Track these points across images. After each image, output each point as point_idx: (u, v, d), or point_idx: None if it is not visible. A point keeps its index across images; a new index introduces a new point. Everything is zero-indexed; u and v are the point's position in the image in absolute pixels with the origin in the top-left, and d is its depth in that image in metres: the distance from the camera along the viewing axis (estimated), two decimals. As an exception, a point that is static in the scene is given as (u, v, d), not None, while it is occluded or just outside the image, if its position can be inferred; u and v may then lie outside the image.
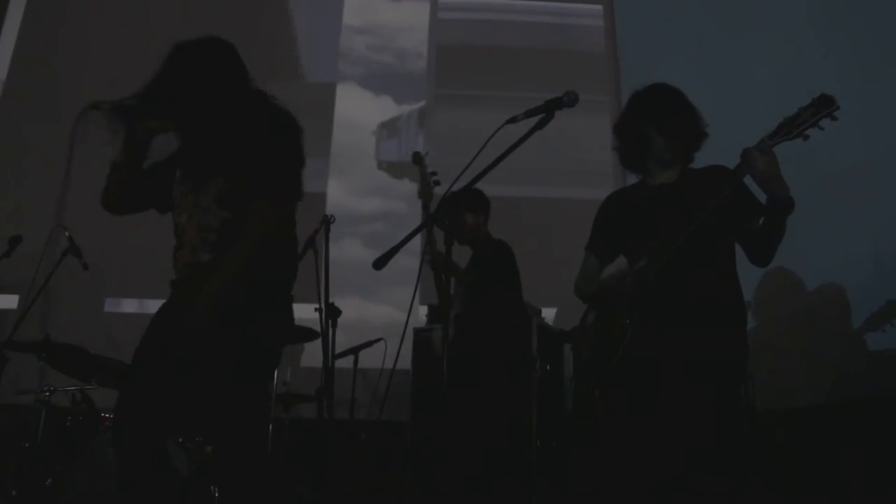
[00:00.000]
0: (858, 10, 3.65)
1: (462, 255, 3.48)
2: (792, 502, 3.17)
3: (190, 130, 2.03)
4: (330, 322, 3.38)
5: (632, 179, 2.36)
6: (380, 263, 1.89)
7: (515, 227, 4.06)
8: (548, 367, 3.72)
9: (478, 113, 5.11)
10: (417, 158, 3.29)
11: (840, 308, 3.40)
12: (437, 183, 3.19)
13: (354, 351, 3.87)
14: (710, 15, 4.64)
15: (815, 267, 3.51)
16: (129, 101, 1.99)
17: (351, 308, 4.15)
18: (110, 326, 4.60)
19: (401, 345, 2.60)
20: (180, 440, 2.91)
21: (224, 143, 1.98)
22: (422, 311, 4.33)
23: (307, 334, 3.56)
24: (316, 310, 3.36)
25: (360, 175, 5.41)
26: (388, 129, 5.54)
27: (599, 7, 5.84)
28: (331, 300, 3.39)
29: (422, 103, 5.60)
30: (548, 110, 1.91)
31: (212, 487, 2.81)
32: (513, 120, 1.91)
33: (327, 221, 3.40)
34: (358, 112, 5.56)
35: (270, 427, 3.43)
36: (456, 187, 2.01)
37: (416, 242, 2.62)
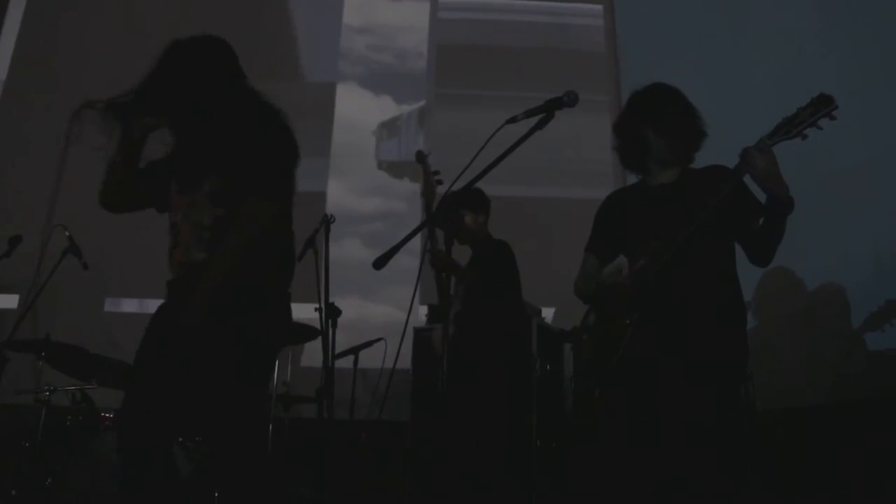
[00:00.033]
0: (858, 10, 3.65)
1: (462, 254, 3.48)
2: (792, 502, 3.17)
3: (183, 128, 2.04)
4: (330, 322, 3.38)
5: (632, 179, 2.36)
6: (380, 263, 1.88)
7: (515, 227, 4.06)
8: (548, 367, 3.73)
9: (478, 113, 5.11)
10: (421, 157, 3.28)
11: (840, 308, 3.40)
12: (440, 182, 3.18)
13: (354, 351, 3.87)
14: (710, 15, 4.64)
15: (815, 267, 3.51)
16: (124, 99, 1.99)
17: (351, 308, 4.16)
18: (110, 326, 4.60)
19: (401, 344, 2.60)
20: (180, 440, 2.91)
21: (216, 141, 1.98)
22: (422, 311, 4.33)
23: (307, 334, 3.56)
24: (316, 309, 3.36)
25: (360, 175, 5.41)
26: (388, 128, 5.54)
27: (599, 7, 5.84)
28: (331, 300, 3.39)
29: (422, 103, 5.60)
30: (548, 110, 1.91)
31: (212, 487, 2.81)
32: (513, 120, 1.91)
33: (327, 221, 3.40)
34: (358, 112, 5.57)
35: (270, 427, 3.44)
36: (456, 187, 2.01)
37: (416, 242, 2.62)
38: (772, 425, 3.34)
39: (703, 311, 2.02)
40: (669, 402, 1.98)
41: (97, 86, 2.06)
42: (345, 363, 3.71)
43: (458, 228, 3.47)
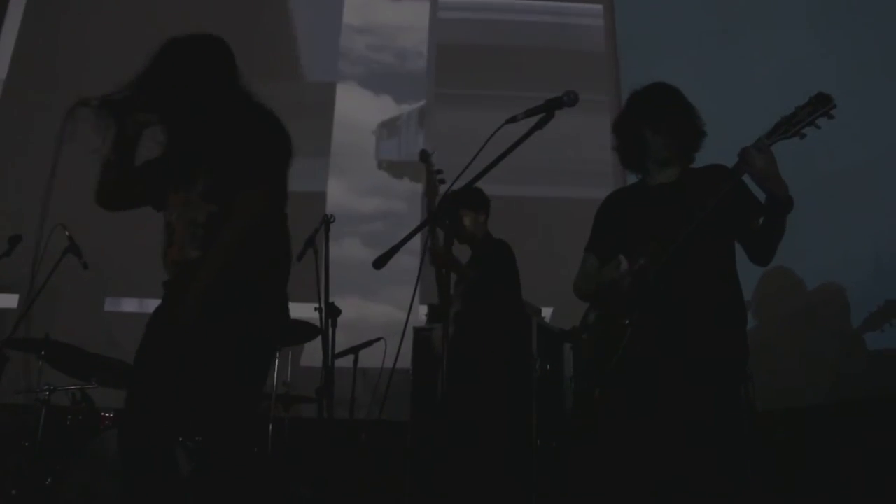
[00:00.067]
0: (858, 10, 3.65)
1: (462, 254, 3.48)
2: (792, 502, 3.17)
3: (176, 126, 2.04)
4: (330, 321, 3.38)
5: (632, 179, 2.36)
6: (380, 263, 1.89)
7: (515, 226, 4.06)
8: (548, 367, 3.73)
9: (478, 112, 5.11)
10: (424, 156, 3.28)
11: (840, 308, 3.40)
12: (443, 181, 3.18)
13: (354, 350, 3.87)
14: (710, 15, 4.64)
15: (815, 267, 3.51)
16: (118, 95, 1.99)
17: (351, 307, 4.16)
18: (110, 326, 4.61)
19: (401, 344, 2.59)
20: (180, 440, 2.91)
21: (209, 139, 1.98)
22: (422, 311, 4.33)
23: (307, 332, 3.56)
24: (316, 309, 3.36)
25: (360, 174, 5.41)
26: (388, 128, 5.54)
27: (599, 7, 5.84)
28: (331, 299, 3.39)
29: (422, 103, 5.60)
30: (548, 110, 1.91)
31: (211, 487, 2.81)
32: (513, 119, 1.91)
33: (327, 221, 3.40)
34: (358, 111, 5.57)
35: (270, 427, 3.44)
36: (456, 187, 2.01)
37: (416, 242, 2.61)
38: (772, 425, 3.34)
39: (703, 311, 2.02)
40: (669, 402, 1.98)
41: (97, 86, 2.06)
42: (345, 363, 3.71)
43: (458, 228, 3.47)
